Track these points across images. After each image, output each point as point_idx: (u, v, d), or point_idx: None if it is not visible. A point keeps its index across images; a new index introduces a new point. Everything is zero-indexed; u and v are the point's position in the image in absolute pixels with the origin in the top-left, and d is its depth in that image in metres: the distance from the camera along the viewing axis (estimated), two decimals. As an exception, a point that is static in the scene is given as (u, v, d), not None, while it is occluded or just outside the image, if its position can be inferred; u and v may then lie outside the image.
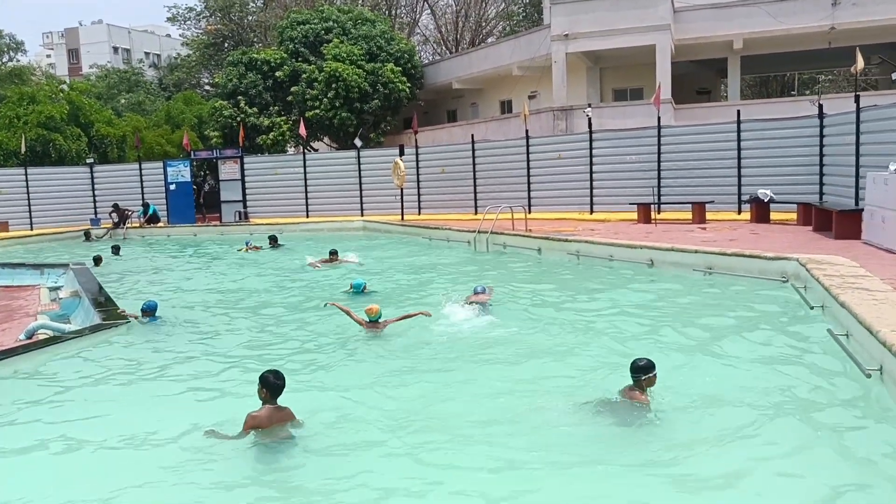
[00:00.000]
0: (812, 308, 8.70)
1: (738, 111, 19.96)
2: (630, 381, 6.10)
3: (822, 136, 18.03)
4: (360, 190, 27.54)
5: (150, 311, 10.65)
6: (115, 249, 20.81)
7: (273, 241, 20.99)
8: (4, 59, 46.04)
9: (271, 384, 5.77)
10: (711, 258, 12.06)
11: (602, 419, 5.90)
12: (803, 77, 51.37)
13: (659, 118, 21.20)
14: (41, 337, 10.24)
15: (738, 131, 19.63)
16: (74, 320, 12.26)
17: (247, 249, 20.44)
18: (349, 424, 6.15)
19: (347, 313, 9.80)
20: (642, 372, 6.02)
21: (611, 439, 5.59)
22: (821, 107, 18.27)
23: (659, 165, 21.06)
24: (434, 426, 6.05)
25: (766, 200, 17.81)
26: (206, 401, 7.05)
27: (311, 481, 5.14)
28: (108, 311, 10.87)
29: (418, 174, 26.22)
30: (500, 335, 9.18)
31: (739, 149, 19.69)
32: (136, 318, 10.54)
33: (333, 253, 16.43)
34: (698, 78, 33.68)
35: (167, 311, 11.41)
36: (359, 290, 12.16)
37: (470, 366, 7.88)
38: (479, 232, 18.34)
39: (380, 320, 9.52)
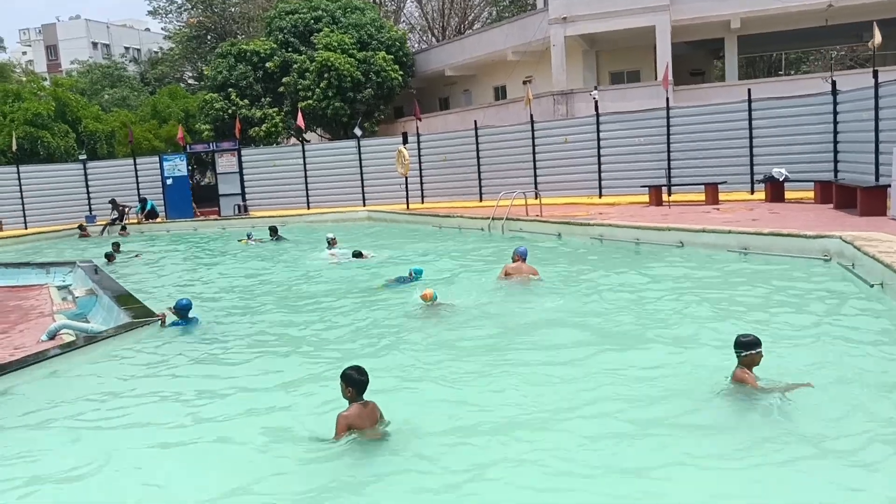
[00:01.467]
0: (872, 286, 8.55)
1: (749, 90, 19.80)
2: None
3: (835, 112, 17.91)
4: (362, 180, 27.18)
5: (183, 310, 10.01)
6: (116, 247, 20.24)
7: (273, 232, 20.62)
8: (-17, 56, 45.09)
9: (356, 381, 5.45)
10: (746, 238, 11.91)
11: (712, 408, 5.65)
12: (790, 57, 51.50)
13: (668, 99, 21.03)
14: (64, 337, 9.89)
15: (749, 110, 19.48)
16: (93, 319, 11.89)
17: (247, 242, 20.06)
18: (435, 415, 5.90)
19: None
20: (743, 348, 5.78)
21: (724, 431, 5.31)
22: (834, 83, 18.15)
23: (668, 147, 20.88)
24: (526, 417, 5.79)
25: (781, 179, 17.72)
26: (274, 399, 6.73)
27: (413, 480, 4.89)
28: (136, 309, 10.52)
29: (420, 162, 25.89)
30: (563, 316, 9.01)
31: (751, 128, 19.55)
32: (163, 317, 10.04)
33: (358, 254, 15.18)
34: (692, 59, 33.60)
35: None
36: (418, 278, 11.98)
37: (547, 350, 7.61)
38: (493, 218, 18.11)
39: (436, 301, 9.81)
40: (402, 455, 5.21)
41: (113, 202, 26.83)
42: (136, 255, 19.27)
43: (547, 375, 6.72)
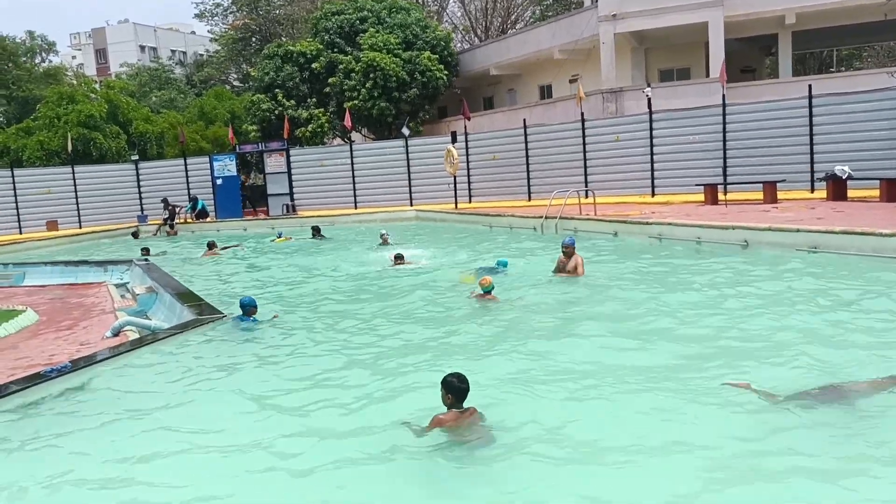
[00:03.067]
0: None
1: (810, 86, 19.29)
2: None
3: (902, 108, 17.38)
4: (409, 179, 27.15)
5: (247, 308, 9.86)
6: (145, 251, 19.97)
7: (316, 231, 20.84)
8: (37, 60, 46.12)
9: (456, 388, 5.37)
10: (816, 237, 11.55)
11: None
12: (842, 53, 50.27)
13: (724, 96, 20.57)
14: (128, 334, 9.96)
15: (810, 106, 18.96)
16: (154, 316, 11.99)
17: (282, 240, 20.59)
18: (526, 417, 5.71)
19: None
20: None
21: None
22: (900, 78, 17.62)
23: (724, 145, 20.45)
24: (622, 424, 5.57)
25: (843, 177, 17.18)
26: (350, 394, 6.64)
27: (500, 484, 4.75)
28: (199, 306, 10.55)
29: (468, 161, 25.76)
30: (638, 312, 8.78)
31: (811, 125, 19.03)
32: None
33: (399, 257, 14.36)
34: (743, 56, 32.87)
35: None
36: (502, 269, 12.09)
37: (628, 348, 7.39)
38: (546, 217, 17.90)
39: (492, 292, 10.02)
40: (485, 462, 5.05)
41: (165, 202, 27.18)
42: (238, 245, 20.00)
43: (631, 385, 6.41)
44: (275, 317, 10.12)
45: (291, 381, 7.16)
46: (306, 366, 7.72)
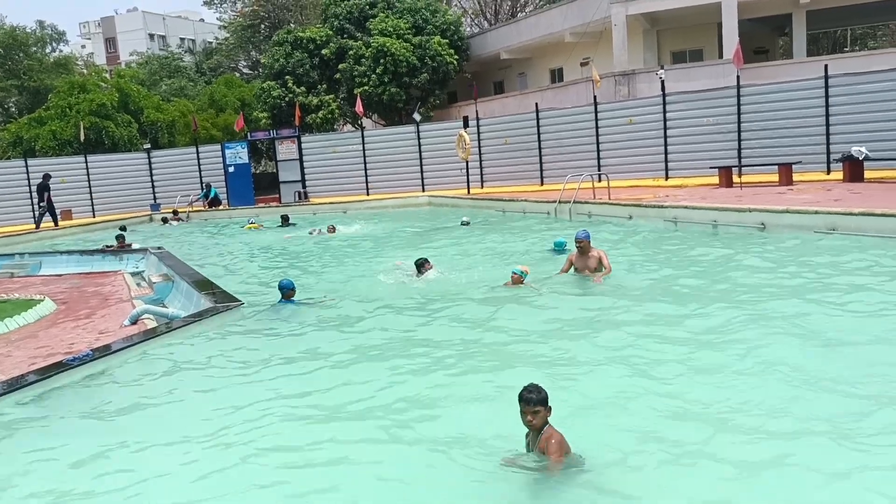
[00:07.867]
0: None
1: (826, 66, 19.06)
2: None
3: (920, 88, 17.14)
4: (421, 165, 27.09)
5: (284, 290, 9.90)
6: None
7: (284, 220, 21.55)
8: (48, 50, 46.20)
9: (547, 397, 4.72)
10: (834, 218, 11.44)
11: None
12: (856, 33, 49.65)
13: (738, 77, 20.36)
14: (147, 322, 10.00)
15: (826, 87, 18.75)
16: (171, 304, 12.03)
17: (252, 226, 21.68)
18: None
19: None
20: None
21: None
22: (918, 57, 17.38)
23: (739, 127, 20.27)
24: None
25: (860, 158, 17.00)
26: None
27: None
28: (217, 295, 10.56)
29: (480, 146, 25.68)
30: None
31: (827, 105, 18.82)
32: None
33: (423, 262, 11.45)
34: (755, 37, 32.51)
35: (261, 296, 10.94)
36: (560, 249, 12.05)
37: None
38: (560, 202, 17.82)
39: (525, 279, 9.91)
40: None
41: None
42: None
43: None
44: (326, 299, 9.89)
45: (316, 374, 7.10)
46: (340, 358, 7.54)
